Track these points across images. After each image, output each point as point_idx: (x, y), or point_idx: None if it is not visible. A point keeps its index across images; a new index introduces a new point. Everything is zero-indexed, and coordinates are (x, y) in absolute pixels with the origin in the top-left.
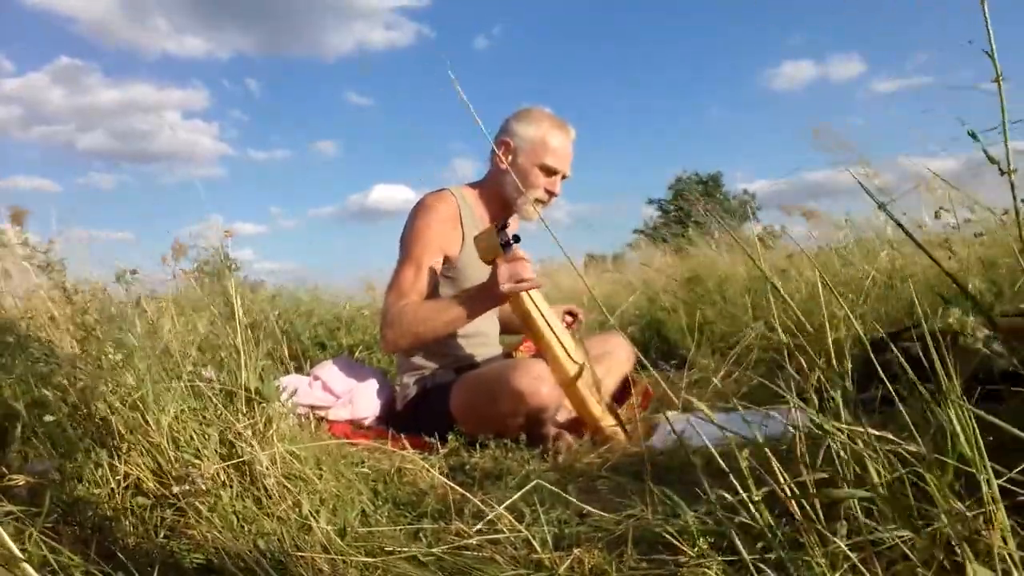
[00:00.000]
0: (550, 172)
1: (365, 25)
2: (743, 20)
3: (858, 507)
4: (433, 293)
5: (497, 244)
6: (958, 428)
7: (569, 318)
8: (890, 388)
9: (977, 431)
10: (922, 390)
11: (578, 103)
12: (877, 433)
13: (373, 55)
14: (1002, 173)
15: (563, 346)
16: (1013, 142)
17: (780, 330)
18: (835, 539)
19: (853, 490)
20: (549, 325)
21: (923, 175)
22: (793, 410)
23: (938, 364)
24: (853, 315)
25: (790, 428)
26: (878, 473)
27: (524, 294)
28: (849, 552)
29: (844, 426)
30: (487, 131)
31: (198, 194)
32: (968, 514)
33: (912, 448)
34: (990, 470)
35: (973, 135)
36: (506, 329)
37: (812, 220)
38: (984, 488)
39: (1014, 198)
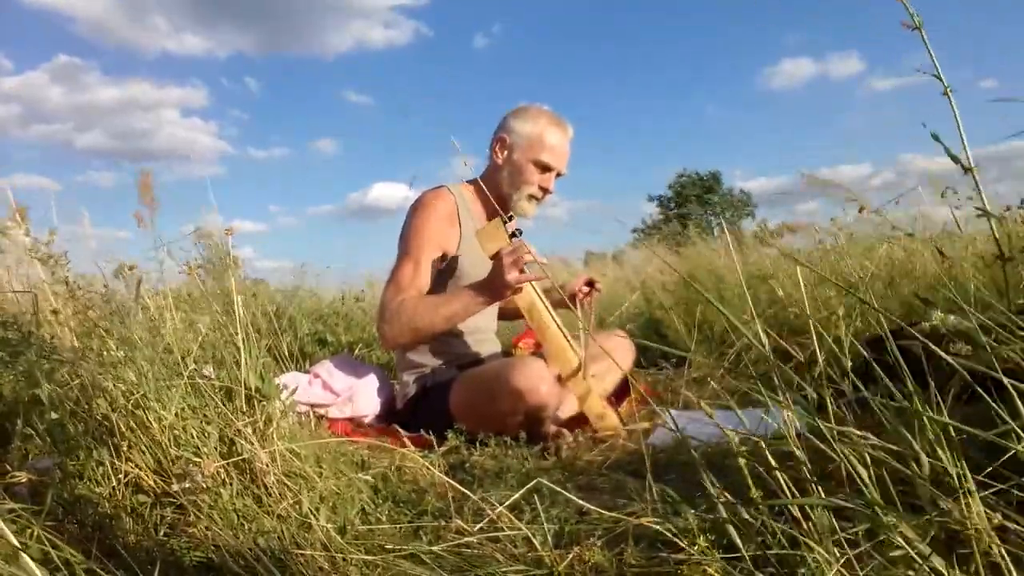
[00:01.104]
0: (545, 169)
1: (364, 24)
2: (742, 19)
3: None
4: (431, 290)
5: (502, 236)
6: (928, 427)
7: (586, 288)
8: (891, 386)
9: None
10: (894, 391)
11: (578, 102)
12: (859, 433)
13: (372, 54)
14: (966, 171)
15: (567, 339)
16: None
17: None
18: (820, 547)
19: (843, 501)
20: (553, 318)
21: (926, 172)
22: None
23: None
24: (850, 314)
25: (787, 426)
26: (871, 472)
27: (528, 285)
28: (845, 551)
29: (836, 427)
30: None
31: (198, 192)
32: (951, 510)
33: (895, 448)
34: (964, 467)
35: (935, 137)
36: (504, 315)
37: (800, 232)
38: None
39: (982, 199)
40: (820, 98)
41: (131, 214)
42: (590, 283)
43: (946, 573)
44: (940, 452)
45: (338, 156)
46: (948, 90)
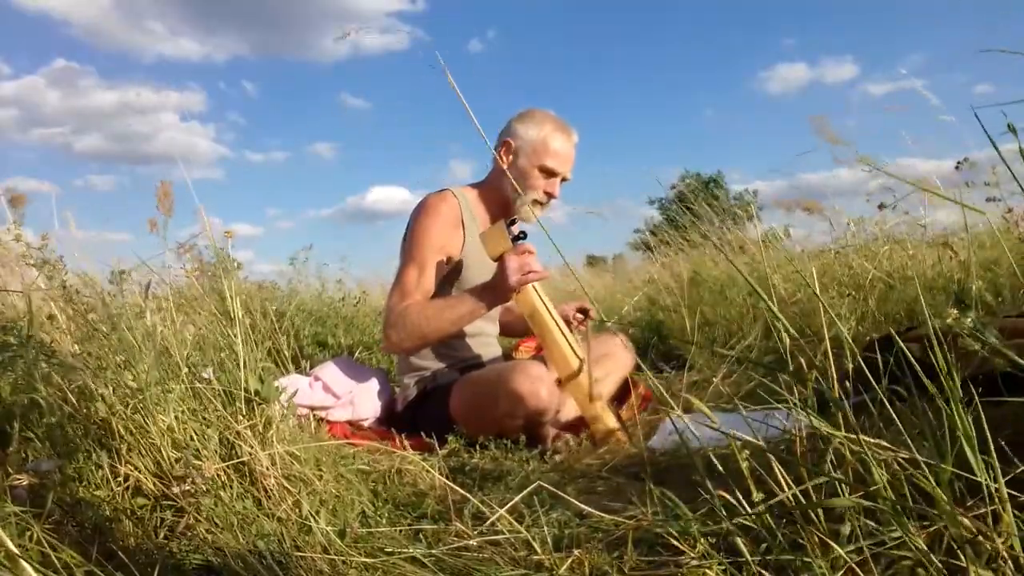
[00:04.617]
0: (550, 174)
1: (361, 29)
2: (739, 23)
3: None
4: (437, 293)
5: (506, 239)
6: (959, 429)
7: (580, 315)
8: (880, 391)
9: (969, 431)
10: (904, 389)
11: (575, 104)
12: (874, 441)
13: (370, 58)
14: None
15: (568, 342)
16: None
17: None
18: (830, 544)
19: (850, 499)
20: (555, 320)
21: (923, 177)
22: (792, 412)
23: (940, 365)
24: (852, 316)
25: (790, 429)
26: (881, 477)
27: (531, 288)
28: (849, 555)
29: (843, 435)
30: (486, 136)
31: (196, 196)
32: (967, 516)
33: (906, 452)
34: (998, 470)
35: (1012, 129)
36: (504, 332)
37: (815, 213)
38: (990, 489)
39: None
40: (815, 102)
41: (146, 219)
42: (583, 311)
43: None
44: (971, 456)
45: (336, 159)
46: None
